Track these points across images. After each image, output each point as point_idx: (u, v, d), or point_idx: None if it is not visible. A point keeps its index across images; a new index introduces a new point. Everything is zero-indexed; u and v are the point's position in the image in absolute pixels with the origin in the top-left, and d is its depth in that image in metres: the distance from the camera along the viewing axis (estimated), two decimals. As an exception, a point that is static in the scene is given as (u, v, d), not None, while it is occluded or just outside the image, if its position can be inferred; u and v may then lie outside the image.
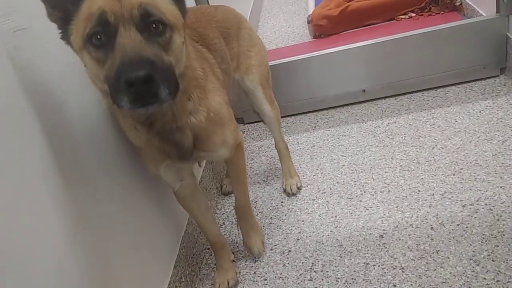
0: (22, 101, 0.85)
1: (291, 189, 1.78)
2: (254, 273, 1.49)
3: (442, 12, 2.49)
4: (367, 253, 1.43)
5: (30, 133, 0.85)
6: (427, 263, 1.34)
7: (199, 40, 1.28)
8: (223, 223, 1.75)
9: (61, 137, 0.95)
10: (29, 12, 0.91)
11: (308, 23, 2.74)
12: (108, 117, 1.16)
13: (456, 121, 1.91)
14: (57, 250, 0.88)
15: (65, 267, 0.89)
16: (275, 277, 1.46)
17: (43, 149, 0.88)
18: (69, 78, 1.02)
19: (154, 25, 0.86)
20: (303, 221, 1.64)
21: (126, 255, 1.16)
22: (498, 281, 1.22)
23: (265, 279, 1.46)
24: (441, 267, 1.31)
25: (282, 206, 1.74)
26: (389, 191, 1.65)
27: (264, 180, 1.93)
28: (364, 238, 1.48)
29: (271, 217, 1.70)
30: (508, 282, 1.21)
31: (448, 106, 2.03)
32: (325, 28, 2.65)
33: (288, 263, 1.49)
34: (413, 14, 2.56)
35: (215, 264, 1.55)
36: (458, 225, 1.42)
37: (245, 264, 1.54)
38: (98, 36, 0.84)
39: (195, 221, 1.46)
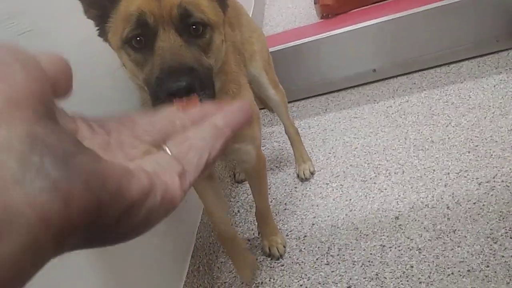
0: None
1: (304, 174, 1.78)
2: (271, 259, 1.51)
3: (453, -15, 2.42)
4: (383, 235, 1.43)
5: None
6: (444, 243, 1.33)
7: None
8: (238, 211, 1.76)
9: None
10: (33, 15, 0.91)
11: (315, 3, 2.69)
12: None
13: (470, 97, 1.87)
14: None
15: (78, 261, 0.91)
16: (292, 262, 1.47)
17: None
18: (76, 81, 1.02)
19: (194, 26, 0.84)
20: (317, 205, 1.64)
21: (143, 248, 1.17)
22: (516, 258, 1.21)
23: (282, 265, 1.47)
24: (458, 247, 1.30)
25: (296, 191, 1.75)
26: (403, 171, 1.63)
27: (276, 166, 1.93)
28: (380, 221, 1.48)
29: (285, 203, 1.71)
30: (527, 259, 1.20)
31: (461, 82, 1.99)
32: (332, 7, 2.59)
33: (304, 248, 1.50)
34: (423, -11, 2.50)
35: (232, 252, 1.57)
36: (474, 203, 1.41)
37: (261, 251, 1.55)
38: (138, 38, 0.82)
39: (208, 211, 1.42)
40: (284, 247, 1.51)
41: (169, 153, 0.30)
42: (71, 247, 0.23)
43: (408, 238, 1.39)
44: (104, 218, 0.23)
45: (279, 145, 2.05)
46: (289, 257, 1.49)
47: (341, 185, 1.69)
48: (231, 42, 1.20)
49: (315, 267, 1.42)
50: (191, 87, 0.77)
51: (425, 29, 2.08)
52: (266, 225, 1.52)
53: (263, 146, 2.07)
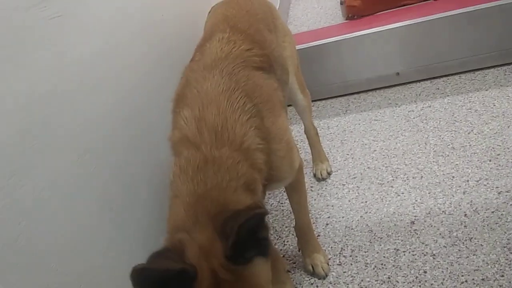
0: (57, 88, 0.88)
1: (321, 174, 1.77)
2: (283, 256, 1.51)
3: (483, -9, 2.38)
4: (398, 239, 1.42)
5: (62, 121, 0.88)
6: (459, 250, 1.31)
7: (262, 56, 1.11)
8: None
9: (91, 124, 0.98)
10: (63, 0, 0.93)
11: (341, 4, 2.68)
12: (143, 109, 1.18)
13: (494, 105, 1.84)
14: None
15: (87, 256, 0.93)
16: (304, 260, 1.47)
17: (77, 133, 0.91)
18: (103, 65, 1.04)
19: None
20: (332, 206, 1.64)
21: (148, 244, 1.18)
22: (533, 270, 1.19)
23: (294, 263, 1.48)
24: (474, 255, 1.28)
25: (312, 191, 1.74)
26: (421, 177, 1.62)
27: (294, 165, 1.92)
28: (395, 224, 1.47)
29: (300, 202, 1.71)
30: (544, 271, 1.18)
31: (486, 90, 1.95)
32: (358, 9, 2.58)
33: (317, 248, 1.50)
34: (452, -7, 2.46)
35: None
36: (492, 212, 1.39)
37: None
38: None
39: None
40: (328, 265, 1.42)
41: None
42: None
43: (423, 243, 1.37)
44: None
45: (297, 144, 2.05)
46: (301, 255, 1.49)
47: (357, 186, 1.68)
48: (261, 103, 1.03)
49: (327, 267, 1.42)
50: None
51: (451, 35, 2.06)
52: (307, 241, 1.42)
53: (281, 144, 2.08)
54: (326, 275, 1.40)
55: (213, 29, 1.21)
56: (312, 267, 1.41)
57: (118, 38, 1.11)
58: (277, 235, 1.60)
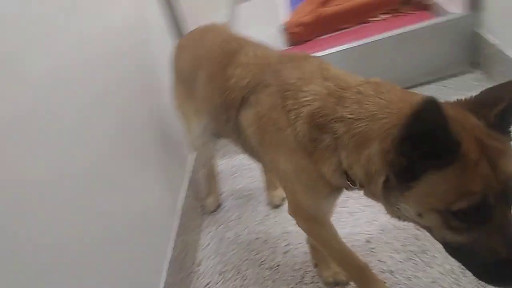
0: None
1: (276, 201, 1.76)
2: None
3: (414, 12, 2.50)
4: (356, 259, 1.41)
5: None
6: (415, 263, 1.33)
7: None
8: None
9: (95, 128, 1.01)
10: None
11: (283, 31, 2.74)
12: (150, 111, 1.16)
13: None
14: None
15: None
16: (265, 293, 1.43)
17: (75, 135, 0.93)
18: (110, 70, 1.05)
19: None
20: (289, 232, 1.62)
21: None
22: (486, 276, 1.21)
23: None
24: (429, 267, 1.30)
25: (268, 219, 1.73)
26: (373, 194, 1.64)
27: (246, 195, 1.90)
28: (352, 245, 1.46)
29: (257, 232, 1.68)
30: (496, 276, 1.20)
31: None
32: (300, 35, 2.65)
33: (277, 278, 1.47)
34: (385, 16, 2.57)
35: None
36: (443, 223, 1.42)
37: (234, 284, 1.50)
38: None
39: (335, 249, 1.26)
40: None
41: None
42: None
43: (380, 261, 1.38)
44: None
45: (249, 173, 2.03)
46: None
47: (312, 210, 1.68)
48: None
49: (289, 297, 1.39)
50: None
51: (389, 55, 2.15)
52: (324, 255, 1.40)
53: (233, 174, 2.06)
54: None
55: (229, 45, 1.34)
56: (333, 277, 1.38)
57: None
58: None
